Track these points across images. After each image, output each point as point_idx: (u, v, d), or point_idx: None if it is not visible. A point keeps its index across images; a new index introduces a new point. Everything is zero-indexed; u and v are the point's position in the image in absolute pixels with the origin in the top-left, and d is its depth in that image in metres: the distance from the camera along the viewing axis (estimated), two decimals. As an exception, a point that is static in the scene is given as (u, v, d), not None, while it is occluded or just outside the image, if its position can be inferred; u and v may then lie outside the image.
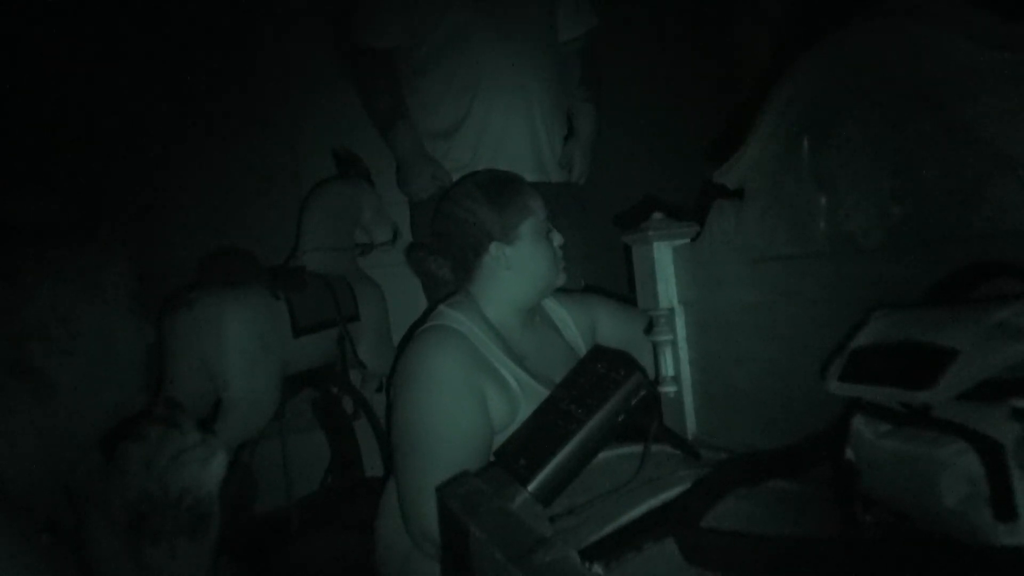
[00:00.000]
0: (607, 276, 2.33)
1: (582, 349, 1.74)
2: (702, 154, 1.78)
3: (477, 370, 1.51)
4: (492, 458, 1.44)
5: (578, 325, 1.79)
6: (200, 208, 2.66)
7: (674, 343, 1.58)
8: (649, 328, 1.62)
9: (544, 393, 1.49)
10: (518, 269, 1.64)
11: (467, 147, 2.28)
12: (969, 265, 0.93)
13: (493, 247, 1.63)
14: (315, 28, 2.83)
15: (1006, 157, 0.90)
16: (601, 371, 1.30)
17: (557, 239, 1.69)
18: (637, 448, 1.31)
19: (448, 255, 1.69)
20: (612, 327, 1.81)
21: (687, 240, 1.55)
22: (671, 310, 1.58)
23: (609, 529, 1.07)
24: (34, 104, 2.31)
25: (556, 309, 1.80)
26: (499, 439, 1.50)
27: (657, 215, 1.59)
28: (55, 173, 2.22)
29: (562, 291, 1.79)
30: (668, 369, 1.59)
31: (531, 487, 1.22)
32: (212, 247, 2.36)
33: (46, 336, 0.97)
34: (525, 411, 1.51)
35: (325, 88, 2.84)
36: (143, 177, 2.57)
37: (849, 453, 0.94)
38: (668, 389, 1.59)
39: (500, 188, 1.67)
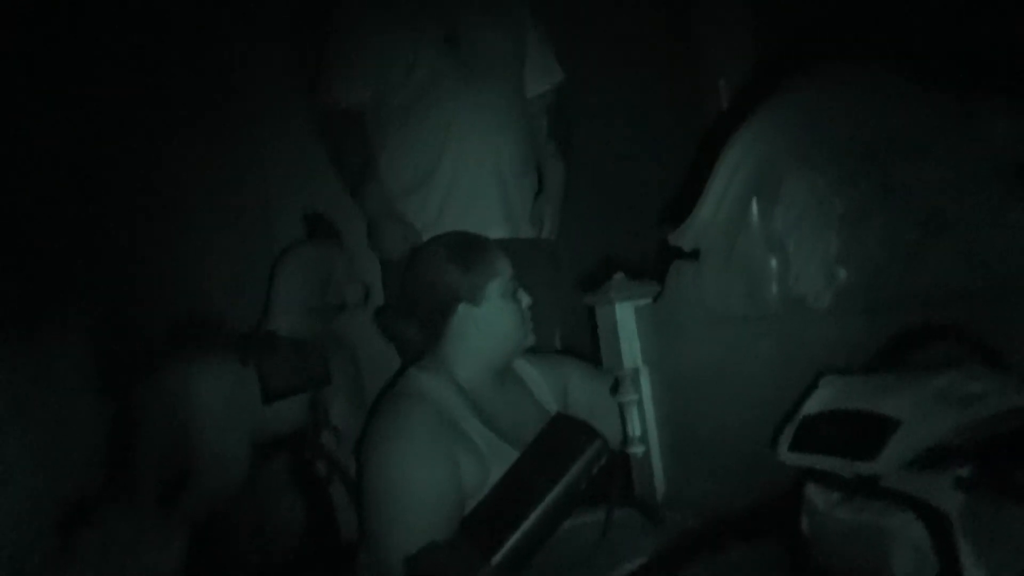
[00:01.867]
0: (581, 332, 2.33)
1: (553, 410, 1.73)
2: (660, 214, 1.80)
3: (446, 435, 1.50)
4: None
5: (550, 386, 1.78)
6: (169, 273, 2.64)
7: (640, 403, 1.58)
8: (615, 388, 1.61)
9: (515, 455, 1.48)
10: (486, 330, 1.64)
11: (436, 204, 2.28)
12: (913, 329, 0.93)
13: (461, 308, 1.63)
14: (287, 88, 2.85)
15: (944, 221, 0.90)
16: (563, 439, 1.29)
17: (525, 299, 1.69)
18: (602, 514, 1.30)
19: (416, 317, 1.69)
20: (583, 389, 1.80)
21: (649, 300, 1.56)
22: (636, 370, 1.58)
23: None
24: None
25: (527, 369, 1.79)
26: (471, 502, 1.49)
27: (618, 275, 1.59)
28: (9, 249, 2.19)
29: (533, 352, 1.78)
30: (635, 429, 1.58)
31: (495, 560, 1.20)
32: (181, 313, 2.34)
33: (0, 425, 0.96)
34: (496, 473, 1.50)
35: (297, 148, 2.85)
36: (108, 243, 2.54)
37: (804, 522, 0.94)
38: (636, 449, 1.58)
39: (466, 249, 1.67)
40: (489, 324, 1.64)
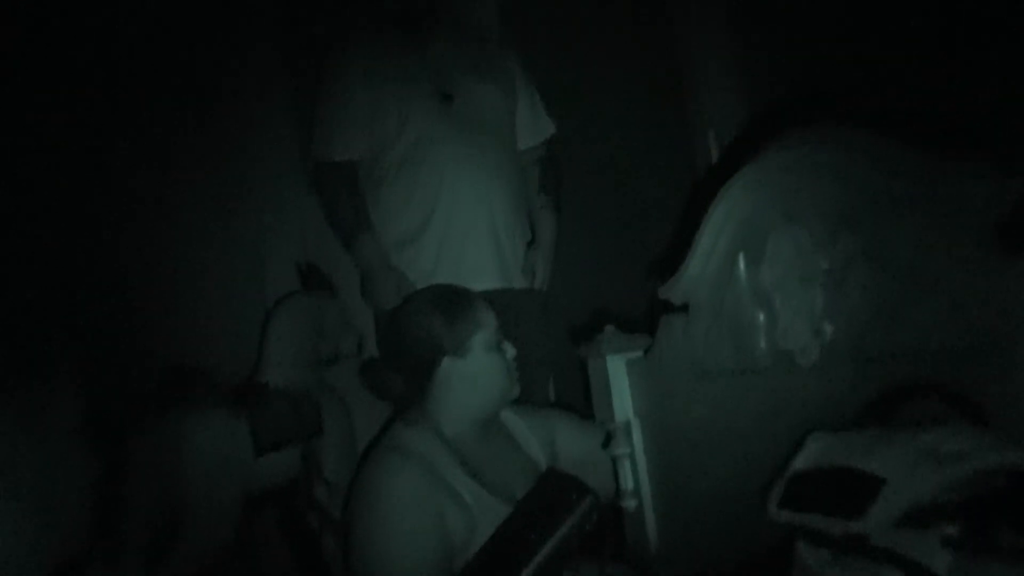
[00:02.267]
0: (574, 383, 2.33)
1: (541, 462, 1.73)
2: (650, 267, 1.81)
3: (433, 491, 1.49)
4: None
5: (537, 438, 1.78)
6: (161, 325, 2.64)
7: (632, 457, 1.57)
8: (607, 442, 1.61)
9: (502, 509, 1.47)
10: (472, 383, 1.64)
11: (430, 255, 2.30)
12: (898, 386, 0.94)
13: (445, 361, 1.63)
14: (282, 139, 2.88)
15: (927, 279, 0.92)
16: (554, 495, 1.29)
17: (510, 351, 1.69)
18: (594, 571, 1.29)
19: (400, 371, 1.69)
20: (571, 441, 1.80)
21: (640, 353, 1.56)
22: (627, 423, 1.58)
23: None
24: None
25: (514, 421, 1.79)
26: (460, 558, 1.48)
27: (609, 328, 1.60)
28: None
29: (519, 404, 1.78)
30: (628, 483, 1.58)
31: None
32: (172, 365, 2.34)
33: None
34: (484, 528, 1.49)
35: (292, 199, 2.87)
36: (99, 295, 2.54)
37: (795, 581, 0.94)
38: (628, 504, 1.57)
39: (450, 302, 1.68)
40: (474, 377, 1.64)
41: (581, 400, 1.81)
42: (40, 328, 1.91)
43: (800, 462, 0.95)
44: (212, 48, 2.81)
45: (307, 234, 2.75)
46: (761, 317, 1.20)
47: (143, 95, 2.69)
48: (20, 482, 0.98)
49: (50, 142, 2.50)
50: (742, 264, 1.22)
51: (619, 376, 1.57)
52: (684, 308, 1.41)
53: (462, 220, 2.26)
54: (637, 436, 1.57)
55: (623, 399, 1.57)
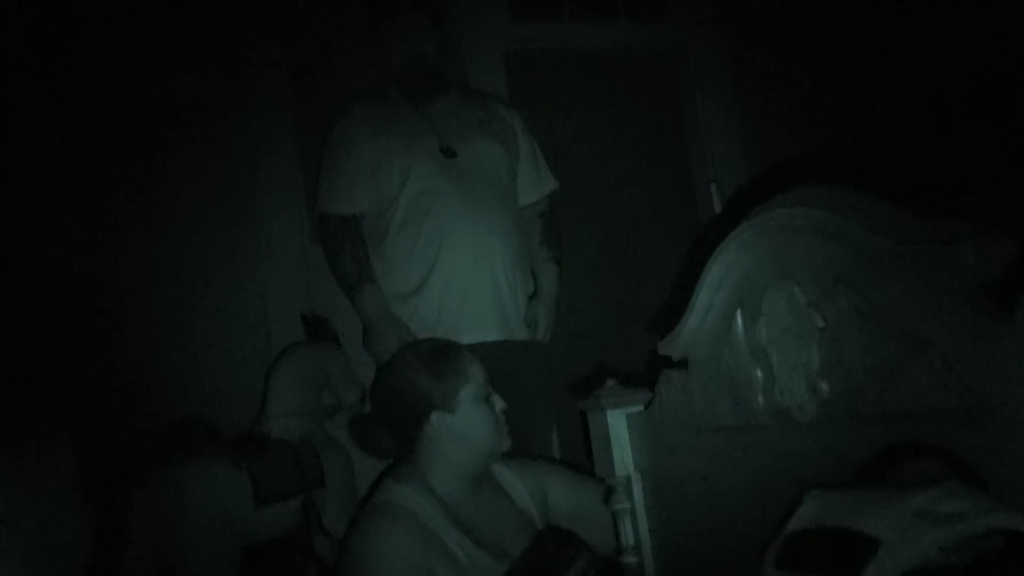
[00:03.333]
0: (576, 435, 2.32)
1: (534, 515, 1.72)
2: (651, 321, 1.82)
3: (425, 551, 1.49)
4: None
5: (529, 491, 1.78)
6: (163, 374, 2.65)
7: (633, 512, 1.56)
8: (608, 496, 1.60)
9: (495, 566, 1.47)
10: (460, 437, 1.64)
11: (432, 307, 2.33)
12: (894, 445, 0.94)
13: (434, 416, 1.64)
14: (287, 190, 2.91)
15: (920, 340, 0.92)
16: (551, 552, 1.28)
17: (499, 403, 1.69)
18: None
19: (389, 426, 1.70)
20: (564, 494, 1.79)
21: (640, 407, 1.56)
22: (628, 478, 1.57)
23: None
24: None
25: (505, 474, 1.79)
26: None
27: (610, 382, 1.60)
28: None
29: (511, 457, 1.78)
30: (628, 538, 1.56)
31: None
32: (175, 415, 2.34)
33: None
34: None
35: (297, 248, 2.90)
36: (101, 345, 2.56)
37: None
38: (629, 560, 1.56)
39: (437, 356, 1.69)
40: (463, 431, 1.64)
41: (583, 453, 1.81)
42: (38, 381, 1.92)
43: (796, 522, 0.95)
44: (218, 98, 2.86)
45: (312, 284, 2.77)
46: (759, 373, 1.20)
47: (148, 145, 2.74)
48: (16, 538, 0.97)
49: (51, 193, 2.55)
50: (739, 321, 1.23)
51: (619, 430, 1.57)
52: (684, 363, 1.42)
53: (463, 274, 2.29)
54: (638, 491, 1.56)
55: (623, 453, 1.56)
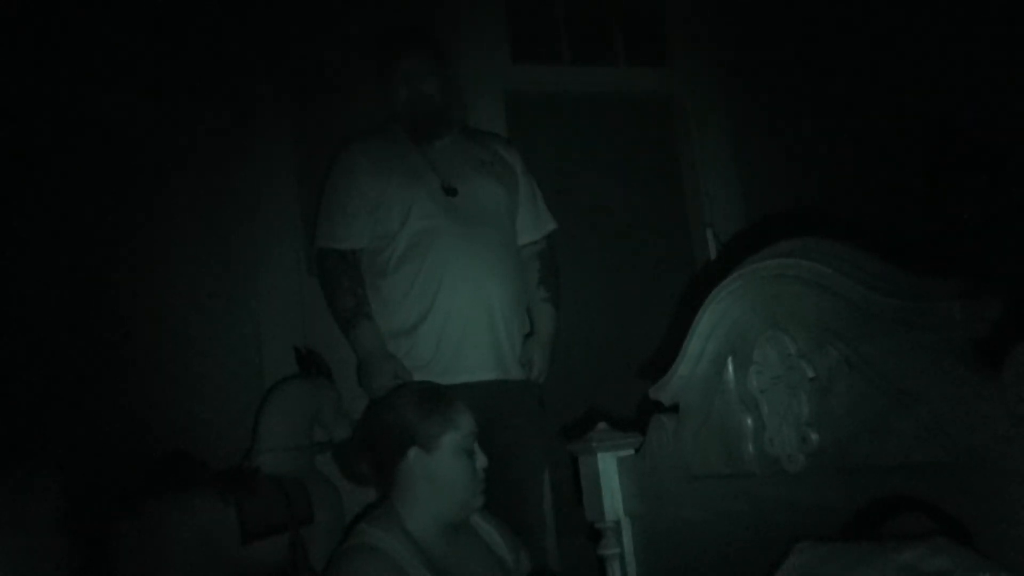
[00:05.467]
0: (567, 472, 2.31)
1: (509, 565, 1.72)
2: (643, 366, 1.83)
3: None
4: None
5: (507, 543, 1.77)
6: (155, 409, 2.64)
7: (622, 557, 1.56)
8: (597, 540, 1.60)
9: None
10: (434, 480, 1.64)
11: (429, 345, 2.32)
12: (882, 499, 0.94)
13: (412, 452, 1.64)
14: (284, 222, 2.91)
15: (908, 395, 0.93)
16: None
17: (481, 460, 1.68)
18: None
19: (370, 455, 1.70)
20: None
21: (631, 451, 1.56)
22: (617, 522, 1.56)
23: None
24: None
25: (482, 524, 1.78)
26: None
27: (601, 425, 1.61)
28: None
29: (490, 510, 1.77)
30: (616, 585, 1.56)
31: None
32: (166, 447, 2.33)
33: None
34: None
35: (293, 283, 2.89)
36: (90, 378, 2.54)
37: None
38: (617, 606, 1.55)
39: (430, 397, 1.71)
40: (437, 474, 1.64)
41: (573, 497, 1.81)
42: (27, 412, 1.90)
43: (784, 573, 0.95)
44: (218, 130, 2.88)
45: (307, 318, 2.77)
46: (749, 422, 1.21)
47: (146, 175, 2.75)
48: (3, 565, 0.96)
49: (46, 221, 2.55)
50: (731, 369, 1.24)
51: (610, 473, 1.57)
52: (675, 408, 1.42)
53: (460, 314, 2.29)
54: (627, 536, 1.56)
55: (613, 497, 1.56)
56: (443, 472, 1.63)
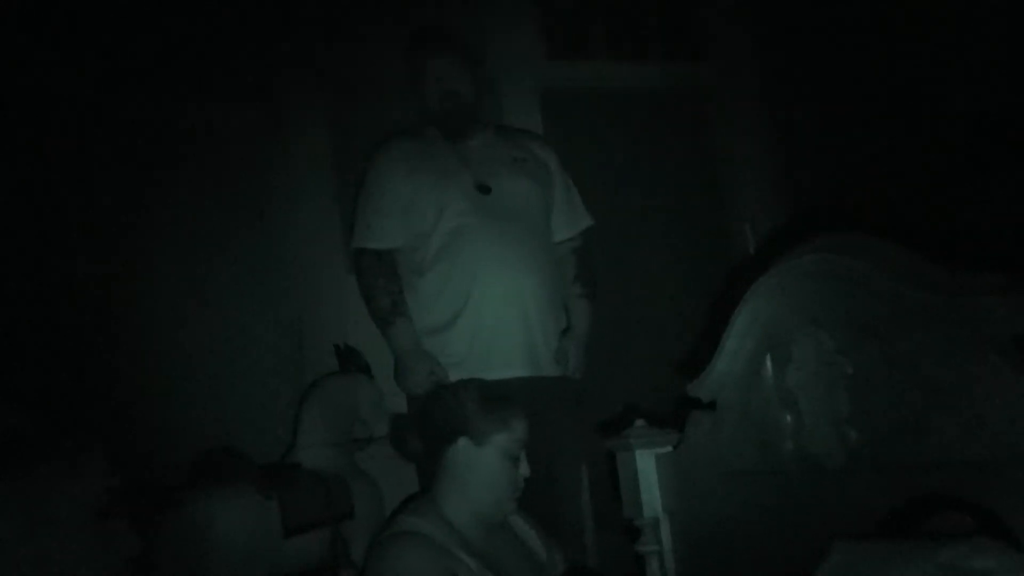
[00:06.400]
0: (605, 469, 2.31)
1: (543, 560, 1.73)
2: (680, 362, 1.82)
3: (444, 560, 1.53)
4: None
5: (543, 541, 1.79)
6: (197, 405, 2.68)
7: (661, 553, 1.56)
8: (635, 537, 1.60)
9: None
10: (475, 473, 1.68)
11: (463, 343, 2.34)
12: (922, 498, 0.93)
13: (461, 441, 1.68)
14: (323, 220, 2.94)
15: (947, 391, 0.92)
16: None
17: (524, 469, 1.71)
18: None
19: (423, 433, 1.73)
20: None
21: (669, 448, 1.56)
22: (656, 519, 1.56)
23: None
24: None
25: (517, 522, 1.81)
26: None
27: (639, 422, 1.61)
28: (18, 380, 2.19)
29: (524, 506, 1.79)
30: (655, 582, 1.56)
31: None
32: (208, 443, 2.37)
33: None
34: None
35: (331, 282, 2.92)
36: (133, 371, 2.58)
37: None
38: (656, 603, 1.55)
39: (493, 398, 1.74)
40: (479, 469, 1.68)
41: (611, 492, 1.81)
42: (69, 408, 1.92)
43: (823, 571, 0.94)
44: (257, 130, 2.92)
45: (347, 315, 2.79)
46: (787, 419, 1.20)
47: (187, 176, 2.79)
48: (11, 569, 0.92)
49: (89, 220, 2.60)
50: (769, 365, 1.23)
51: (648, 471, 1.57)
52: (713, 405, 1.42)
53: (493, 313, 2.31)
54: (666, 533, 1.56)
55: (651, 494, 1.56)
56: (486, 469, 1.67)
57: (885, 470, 1.02)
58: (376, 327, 2.45)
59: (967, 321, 0.89)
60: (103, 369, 2.51)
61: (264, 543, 2.15)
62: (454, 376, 2.23)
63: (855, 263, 1.03)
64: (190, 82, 2.80)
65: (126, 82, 2.71)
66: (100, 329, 2.56)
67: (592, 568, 1.56)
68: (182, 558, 2.06)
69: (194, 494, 2.09)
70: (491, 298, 2.32)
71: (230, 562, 2.06)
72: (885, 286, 0.98)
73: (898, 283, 0.96)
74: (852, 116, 2.93)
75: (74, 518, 0.97)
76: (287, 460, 2.42)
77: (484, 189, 2.35)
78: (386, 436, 2.60)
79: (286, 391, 2.83)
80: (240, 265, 2.88)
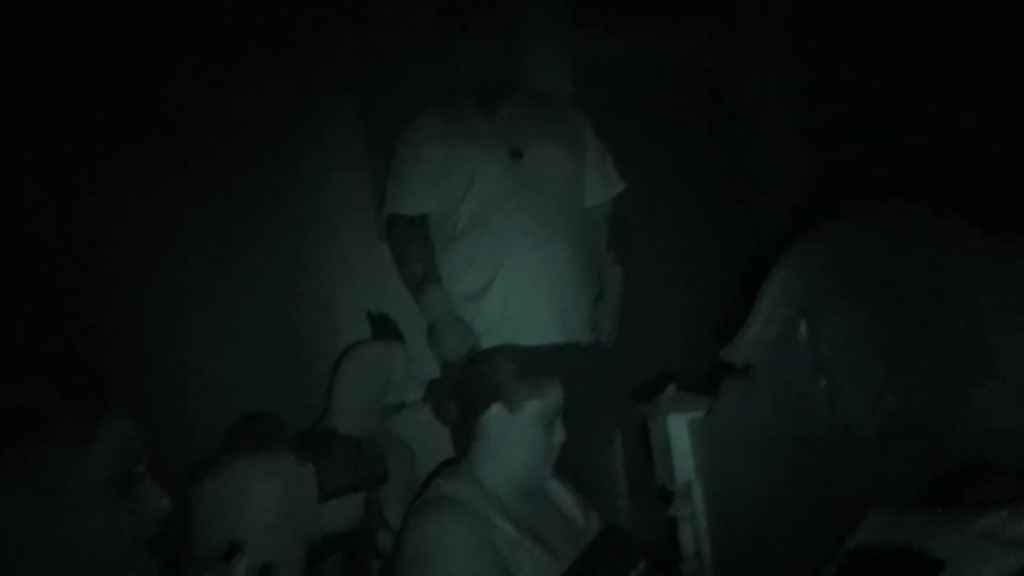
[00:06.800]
0: (637, 437, 2.32)
1: (579, 523, 1.73)
2: (715, 327, 1.80)
3: (481, 528, 1.54)
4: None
5: (576, 502, 1.79)
6: (232, 371, 2.71)
7: (694, 518, 1.56)
8: (668, 503, 1.60)
9: (544, 559, 1.50)
10: (508, 441, 1.67)
11: (495, 309, 2.34)
12: (963, 465, 0.92)
13: (495, 408, 1.67)
14: (353, 185, 2.95)
15: (985, 359, 0.90)
16: (610, 556, 1.29)
17: (559, 436, 1.70)
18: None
19: (459, 400, 1.74)
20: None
21: (702, 414, 1.55)
22: (689, 484, 1.56)
23: None
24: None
25: (552, 487, 1.80)
26: None
27: (671, 388, 1.60)
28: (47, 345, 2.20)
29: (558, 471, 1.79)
30: (688, 546, 1.56)
31: None
32: (243, 410, 2.40)
33: None
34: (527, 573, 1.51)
35: (363, 247, 2.94)
36: (167, 341, 2.61)
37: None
38: (688, 567, 1.56)
39: (529, 364, 1.73)
40: (512, 437, 1.67)
41: (643, 460, 1.81)
42: (97, 378, 1.93)
43: (859, 537, 0.94)
44: (285, 103, 2.92)
45: (379, 282, 2.81)
46: (822, 384, 1.19)
47: (216, 152, 2.80)
48: (39, 541, 0.90)
49: (122, 202, 2.62)
50: (803, 331, 1.22)
51: (680, 436, 1.57)
52: (746, 371, 1.41)
53: (526, 278, 2.31)
54: (698, 498, 1.56)
55: (684, 460, 1.56)
56: (519, 436, 1.66)
57: (922, 438, 1.00)
58: (409, 293, 2.47)
59: (1009, 286, 0.87)
60: (136, 339, 2.54)
61: (300, 508, 2.18)
62: (487, 343, 2.23)
63: (891, 228, 1.00)
64: (216, 62, 2.81)
65: (151, 60, 2.72)
66: (131, 304, 2.59)
67: (626, 530, 1.56)
68: (218, 524, 2.10)
69: (230, 460, 2.11)
70: (523, 265, 2.32)
71: (267, 527, 2.09)
72: (922, 251, 0.96)
73: (936, 248, 0.94)
74: (884, 84, 2.86)
75: (85, 489, 0.94)
76: (321, 426, 2.45)
77: (517, 154, 2.34)
78: (419, 401, 2.63)
79: (320, 358, 2.85)
80: (272, 234, 2.89)
